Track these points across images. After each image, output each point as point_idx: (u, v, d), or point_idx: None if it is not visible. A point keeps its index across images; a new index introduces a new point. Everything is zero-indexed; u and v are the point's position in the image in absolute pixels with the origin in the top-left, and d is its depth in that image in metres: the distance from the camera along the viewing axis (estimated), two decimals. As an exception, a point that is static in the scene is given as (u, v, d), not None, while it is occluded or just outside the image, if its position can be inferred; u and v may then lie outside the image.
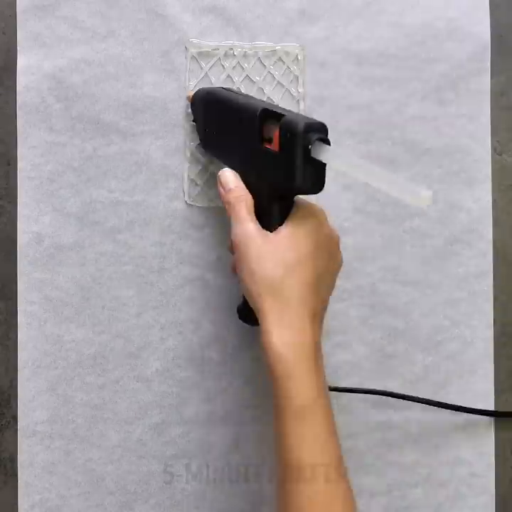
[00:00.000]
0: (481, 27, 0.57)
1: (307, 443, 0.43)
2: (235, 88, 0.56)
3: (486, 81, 0.57)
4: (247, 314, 0.51)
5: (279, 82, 0.56)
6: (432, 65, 0.57)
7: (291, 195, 0.48)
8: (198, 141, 0.56)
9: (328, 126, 0.44)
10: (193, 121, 0.56)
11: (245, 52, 0.56)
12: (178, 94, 0.56)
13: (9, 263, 0.57)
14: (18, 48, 0.56)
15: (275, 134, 0.46)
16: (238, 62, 0.56)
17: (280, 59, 0.56)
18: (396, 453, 0.57)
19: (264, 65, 0.56)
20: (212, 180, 0.57)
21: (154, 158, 0.56)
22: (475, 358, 0.57)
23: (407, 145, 0.57)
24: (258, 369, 0.57)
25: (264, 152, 0.47)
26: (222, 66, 0.56)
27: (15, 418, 0.56)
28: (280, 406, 0.44)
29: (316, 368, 0.44)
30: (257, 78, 0.56)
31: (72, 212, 0.57)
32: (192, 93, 0.56)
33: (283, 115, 0.46)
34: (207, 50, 0.56)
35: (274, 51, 0.56)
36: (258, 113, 0.48)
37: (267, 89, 0.56)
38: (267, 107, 0.48)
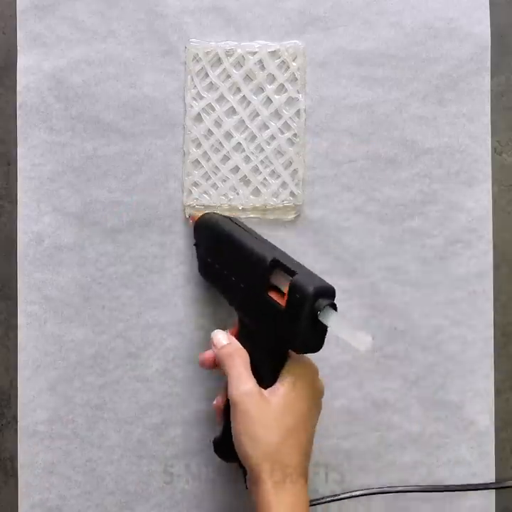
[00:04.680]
0: (481, 27, 0.57)
1: None
2: (240, 220, 0.54)
3: (486, 81, 0.57)
4: (226, 450, 0.50)
5: (279, 82, 0.56)
6: (432, 65, 0.57)
7: (287, 349, 0.49)
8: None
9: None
10: (195, 244, 0.55)
11: (245, 52, 0.56)
12: (178, 94, 0.56)
13: (9, 263, 0.57)
14: (18, 48, 0.56)
15: (285, 288, 0.45)
16: (238, 62, 0.56)
17: (280, 59, 0.56)
18: (396, 453, 0.57)
19: (264, 65, 0.56)
20: (212, 180, 0.57)
21: (154, 158, 0.56)
22: (475, 358, 0.57)
23: (407, 145, 0.57)
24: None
25: (269, 303, 0.47)
26: (223, 66, 0.56)
27: (15, 418, 0.56)
28: None
29: None
30: (257, 78, 0.56)
31: (72, 212, 0.57)
32: (196, 215, 0.55)
33: (293, 271, 0.46)
34: (207, 50, 0.56)
35: (274, 51, 0.56)
36: (268, 263, 0.47)
37: (267, 89, 0.56)
38: (276, 256, 0.47)
